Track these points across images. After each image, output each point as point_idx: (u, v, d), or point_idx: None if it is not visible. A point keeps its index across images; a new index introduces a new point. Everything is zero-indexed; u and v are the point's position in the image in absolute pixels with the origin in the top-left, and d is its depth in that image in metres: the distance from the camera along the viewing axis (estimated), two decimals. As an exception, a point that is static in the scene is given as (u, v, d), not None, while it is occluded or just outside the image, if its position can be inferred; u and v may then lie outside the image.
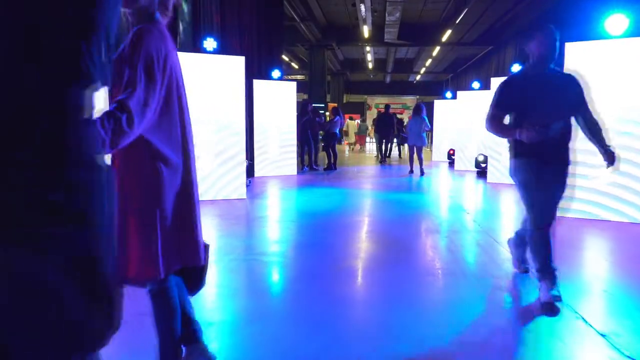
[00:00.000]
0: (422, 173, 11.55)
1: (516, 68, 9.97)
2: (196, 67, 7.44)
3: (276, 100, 11.14)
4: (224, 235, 5.48)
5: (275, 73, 11.15)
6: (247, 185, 9.24)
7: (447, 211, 7.21)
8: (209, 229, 5.78)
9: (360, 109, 32.88)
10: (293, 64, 28.37)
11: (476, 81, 13.06)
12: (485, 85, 13.50)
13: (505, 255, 4.53)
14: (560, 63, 6.43)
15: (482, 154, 11.83)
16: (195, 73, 7.43)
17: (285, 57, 26.26)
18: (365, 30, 19.80)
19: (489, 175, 10.34)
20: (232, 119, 7.71)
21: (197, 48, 7.59)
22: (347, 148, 24.42)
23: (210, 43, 7.46)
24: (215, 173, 7.61)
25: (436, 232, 5.57)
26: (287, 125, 11.32)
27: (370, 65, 28.32)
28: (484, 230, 5.65)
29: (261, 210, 7.17)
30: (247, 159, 10.52)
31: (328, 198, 8.09)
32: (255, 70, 11.44)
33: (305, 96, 21.60)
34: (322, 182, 10.29)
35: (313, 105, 13.80)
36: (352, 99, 34.91)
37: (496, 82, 10.29)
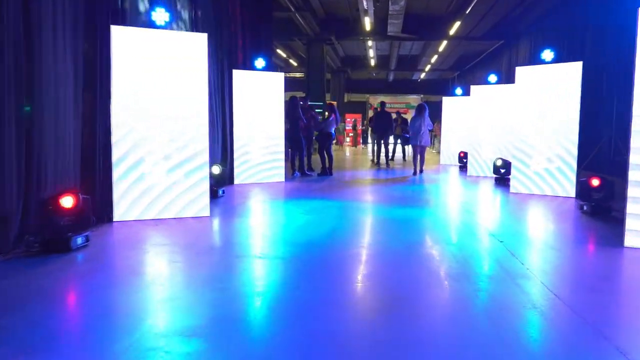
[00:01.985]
0: (420, 171, 11.30)
1: (548, 55, 8.07)
2: (144, 45, 5.60)
3: (261, 94, 9.29)
4: (149, 283, 3.60)
5: (259, 62, 9.28)
6: (220, 196, 7.41)
7: (471, 238, 5.32)
8: (130, 268, 3.88)
9: (361, 109, 30.97)
10: (291, 61, 26.49)
11: (493, 74, 11.14)
12: (503, 79, 11.62)
13: (587, 335, 2.65)
14: (634, 33, 4.55)
15: (501, 158, 9.94)
16: (143, 53, 5.60)
17: (282, 54, 24.44)
18: (367, 23, 17.90)
19: (512, 183, 8.44)
20: (192, 112, 5.86)
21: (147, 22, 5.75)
22: (347, 149, 22.56)
23: (160, 15, 5.60)
24: (166, 182, 5.75)
25: (462, 279, 3.69)
26: (274, 123, 9.46)
27: (372, 63, 26.39)
28: (533, 274, 3.77)
29: (223, 236, 5.31)
30: (221, 163, 8.68)
31: (317, 216, 6.23)
32: (240, 60, 9.58)
33: (302, 95, 19.72)
34: (314, 192, 8.42)
35: (309, 103, 11.91)
36: (354, 98, 32.99)
37: (522, 71, 8.39)
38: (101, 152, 5.46)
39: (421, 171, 11.45)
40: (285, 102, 10.57)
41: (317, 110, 13.03)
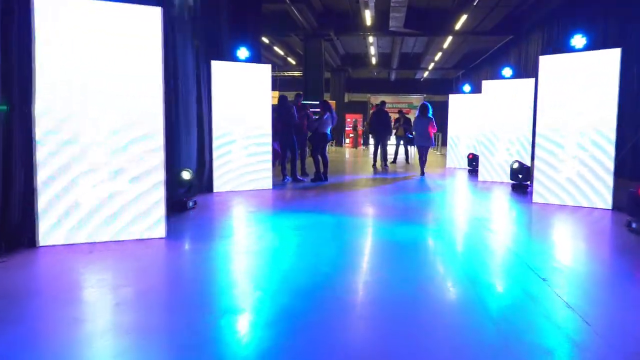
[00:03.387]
0: (422, 173, 10.89)
1: (579, 41, 6.76)
2: (78, 19, 4.32)
3: (245, 88, 7.99)
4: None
5: (242, 52, 7.99)
6: (189, 209, 6.13)
7: (502, 272, 4.01)
8: (13, 334, 2.55)
9: (363, 109, 29.64)
10: (290, 59, 25.19)
11: (507, 67, 9.83)
12: (520, 73, 10.32)
13: None
14: None
15: (519, 162, 8.63)
16: (75, 28, 4.31)
17: (280, 51, 23.16)
18: (367, 17, 16.61)
19: (535, 192, 7.12)
20: (143, 109, 4.57)
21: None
22: (347, 151, 21.26)
23: (98, -19, 4.31)
24: (105, 191, 4.46)
25: (507, 358, 2.39)
26: (260, 121, 8.16)
27: (373, 61, 25.07)
28: (608, 343, 2.47)
29: (169, 274, 3.98)
30: (197, 167, 7.41)
31: (303, 238, 4.93)
32: (222, 50, 8.29)
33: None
34: (304, 203, 7.12)
35: (301, 101, 10.61)
36: (354, 98, 31.63)
37: (548, 61, 7.06)
38: (20, 152, 4.17)
39: (422, 173, 10.98)
40: (279, 97, 9.31)
41: (312, 110, 11.68)
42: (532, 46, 16.04)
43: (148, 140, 4.57)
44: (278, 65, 26.13)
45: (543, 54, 13.87)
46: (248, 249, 4.49)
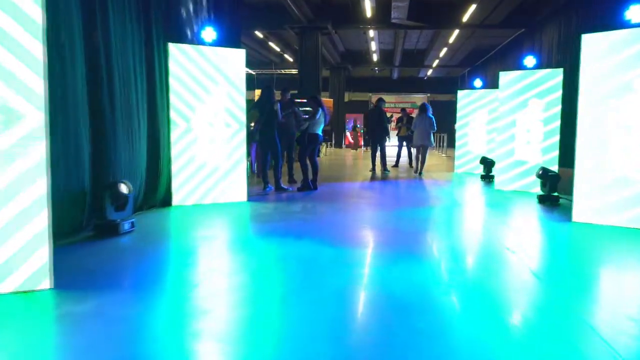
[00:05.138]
0: (420, 172, 10.48)
1: (637, 12, 5.09)
2: None
3: (213, 77, 6.36)
4: None
5: (208, 34, 6.32)
6: (124, 233, 4.50)
7: None
8: None
9: (365, 108, 27.93)
10: (286, 56, 23.54)
11: (530, 55, 8.16)
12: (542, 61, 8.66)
13: None
14: None
15: (545, 169, 6.98)
16: None
17: (275, 47, 21.52)
18: (367, 8, 14.98)
19: (577, 210, 5.45)
20: (16, 105, 2.94)
21: None
22: (346, 152, 19.57)
23: None
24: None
25: None
26: (231, 118, 6.53)
27: (375, 57, 23.39)
28: None
29: None
30: (147, 175, 5.78)
31: (263, 288, 3.30)
32: (188, 33, 6.63)
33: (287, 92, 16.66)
34: (282, 222, 5.47)
35: (289, 97, 8.99)
36: (355, 97, 29.92)
37: (593, 40, 5.40)
38: None
39: (421, 172, 10.51)
40: (262, 90, 7.73)
41: (303, 108, 10.05)
42: (547, 41, 14.32)
43: (20, 134, 2.93)
44: (274, 63, 24.53)
45: (563, 42, 12.21)
46: (171, 314, 2.83)
